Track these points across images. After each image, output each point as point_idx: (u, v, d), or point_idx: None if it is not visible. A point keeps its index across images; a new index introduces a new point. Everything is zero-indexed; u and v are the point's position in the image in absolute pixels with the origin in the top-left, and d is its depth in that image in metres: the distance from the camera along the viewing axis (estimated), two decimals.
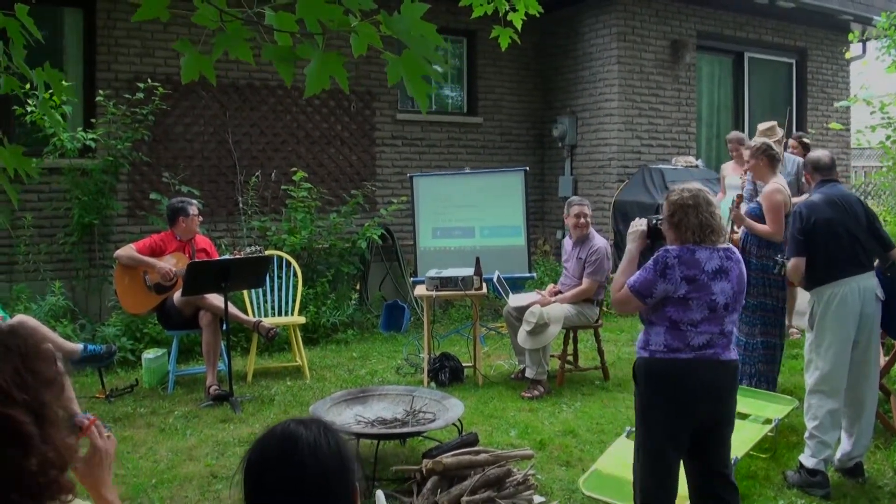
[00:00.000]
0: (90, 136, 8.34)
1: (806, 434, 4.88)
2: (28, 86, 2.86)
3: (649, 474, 3.71)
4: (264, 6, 1.97)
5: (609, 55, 11.11)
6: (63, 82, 2.80)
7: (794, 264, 4.90)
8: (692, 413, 3.63)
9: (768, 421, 5.27)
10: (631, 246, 4.05)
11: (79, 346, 6.42)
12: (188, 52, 2.03)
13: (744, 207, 6.39)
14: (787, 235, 5.04)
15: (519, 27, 4.49)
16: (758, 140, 6.54)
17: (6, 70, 2.62)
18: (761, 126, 7.60)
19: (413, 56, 1.87)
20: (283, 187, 9.66)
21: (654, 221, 4.00)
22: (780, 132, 7.49)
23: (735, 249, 3.79)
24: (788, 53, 13.09)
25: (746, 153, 6.50)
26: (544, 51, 12.08)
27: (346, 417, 5.26)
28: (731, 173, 8.68)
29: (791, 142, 8.68)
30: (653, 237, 4.03)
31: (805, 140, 8.86)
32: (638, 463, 3.78)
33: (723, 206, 8.70)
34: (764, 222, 6.18)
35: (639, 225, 4.08)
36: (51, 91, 4.14)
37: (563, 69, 11.87)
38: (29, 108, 7.40)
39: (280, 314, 8.02)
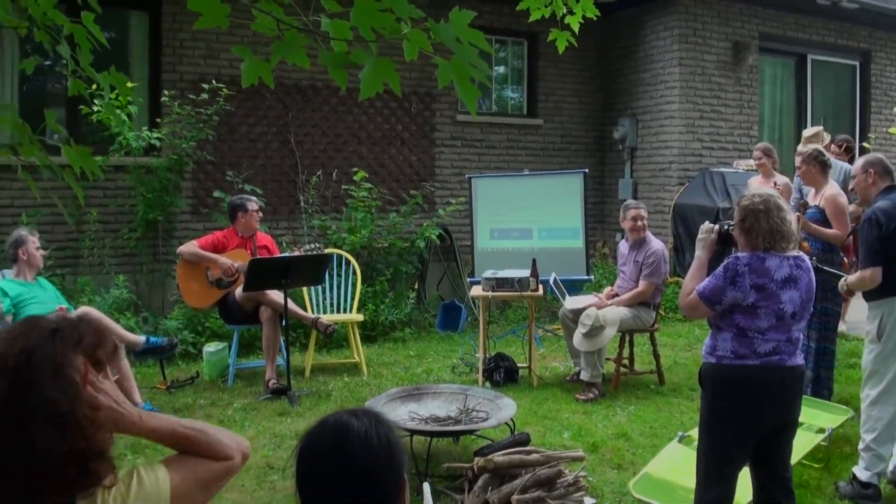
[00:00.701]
0: (155, 135, 8.54)
1: (861, 446, 4.79)
2: (94, 86, 2.97)
3: (714, 480, 3.69)
4: (319, 14, 2.04)
5: (670, 57, 11.04)
6: (128, 84, 2.90)
7: (871, 274, 4.68)
8: (759, 419, 3.62)
9: (822, 430, 5.19)
10: (701, 252, 4.03)
11: (141, 338, 6.61)
12: (248, 58, 2.12)
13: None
14: (860, 243, 4.82)
15: (576, 30, 4.49)
16: (809, 147, 6.44)
17: (73, 73, 2.73)
18: (806, 132, 7.45)
19: (462, 61, 1.93)
20: (343, 187, 9.78)
21: (726, 227, 3.99)
22: (826, 137, 7.34)
23: (805, 258, 3.75)
24: (852, 55, 12.86)
25: (798, 159, 6.44)
26: (605, 53, 12.03)
27: (401, 414, 5.32)
28: (759, 188, 8.49)
29: (833, 147, 8.50)
30: (724, 243, 4.02)
31: (850, 145, 8.66)
32: (701, 467, 3.77)
33: None
34: (824, 227, 6.12)
35: (709, 231, 4.07)
36: (116, 92, 4.26)
37: (625, 71, 11.82)
38: (95, 108, 7.61)
39: (339, 311, 8.13)
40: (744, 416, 3.61)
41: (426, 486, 2.92)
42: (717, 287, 3.63)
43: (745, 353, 3.59)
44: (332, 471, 1.77)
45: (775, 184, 8.10)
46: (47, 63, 9.08)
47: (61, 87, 9.10)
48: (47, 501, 1.73)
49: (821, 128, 7.54)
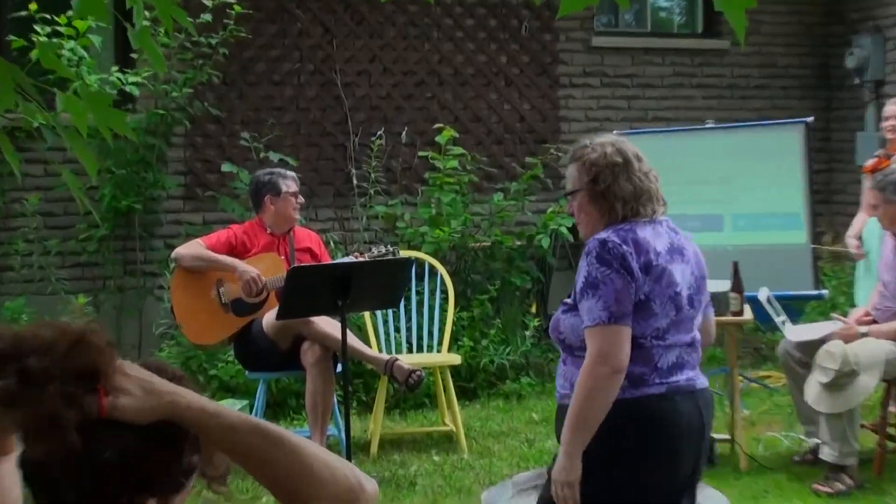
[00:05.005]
0: (130, 79, 8.53)
1: None
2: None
3: None
4: None
5: None
6: None
7: None
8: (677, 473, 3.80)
9: None
10: None
11: None
12: None
13: None
14: None
15: None
16: None
17: None
18: None
19: None
20: (419, 153, 9.80)
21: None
22: None
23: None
24: None
25: None
26: None
27: None
28: None
29: None
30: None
31: None
32: None
33: None
34: None
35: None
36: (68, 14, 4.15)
37: None
38: (36, 39, 7.55)
39: (419, 350, 8.11)
40: (660, 474, 3.76)
41: None
42: (619, 289, 3.63)
43: (642, 375, 3.66)
44: None
45: None
46: None
47: None
48: None
49: None
